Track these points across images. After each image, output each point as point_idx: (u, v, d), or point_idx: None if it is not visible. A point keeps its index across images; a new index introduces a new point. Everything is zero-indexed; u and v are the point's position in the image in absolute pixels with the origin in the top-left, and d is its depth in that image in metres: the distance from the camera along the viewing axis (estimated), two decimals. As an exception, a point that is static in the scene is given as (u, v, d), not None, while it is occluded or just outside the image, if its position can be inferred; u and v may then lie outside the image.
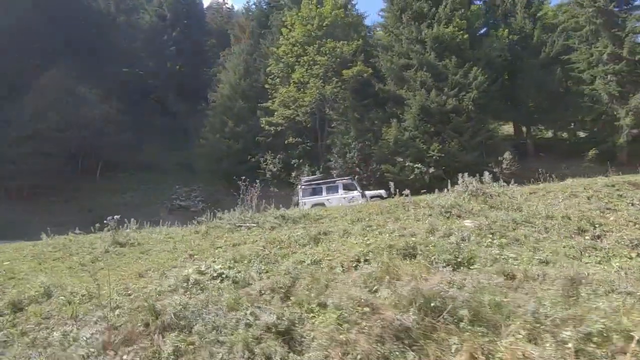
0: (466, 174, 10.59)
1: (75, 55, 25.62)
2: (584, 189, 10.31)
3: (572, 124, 22.71)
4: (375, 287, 5.68)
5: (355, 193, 15.03)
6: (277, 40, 27.93)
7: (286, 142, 22.91)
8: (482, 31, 24.63)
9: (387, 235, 8.61)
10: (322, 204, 14.77)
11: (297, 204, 15.67)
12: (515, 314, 4.44)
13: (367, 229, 9.23)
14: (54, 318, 5.86)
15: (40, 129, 21.35)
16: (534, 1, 25.51)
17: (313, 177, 17.39)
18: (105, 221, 11.11)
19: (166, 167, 30.94)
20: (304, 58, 23.32)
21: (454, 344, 4.17)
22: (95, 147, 25.44)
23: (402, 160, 19.24)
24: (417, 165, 18.76)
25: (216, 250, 9.16)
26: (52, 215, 20.50)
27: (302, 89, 22.91)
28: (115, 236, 10.11)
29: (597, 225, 8.38)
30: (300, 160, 22.21)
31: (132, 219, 12.00)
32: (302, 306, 5.45)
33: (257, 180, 12.68)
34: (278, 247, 8.62)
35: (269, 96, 24.17)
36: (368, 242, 7.96)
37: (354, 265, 7.04)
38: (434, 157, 18.85)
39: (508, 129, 27.71)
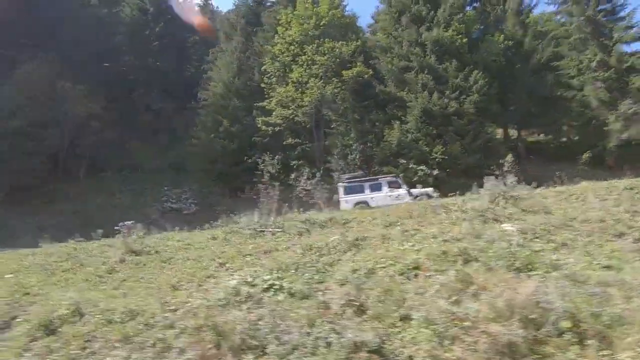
0: (492, 177, 10.64)
1: (55, 48, 23.87)
2: (609, 191, 10.51)
3: (564, 128, 23.59)
4: (455, 298, 5.39)
5: (401, 191, 14.63)
6: (270, 39, 27.32)
7: (285, 142, 22.34)
8: (474, 36, 25.09)
9: (431, 240, 8.36)
10: (366, 203, 14.41)
11: (338, 203, 15.15)
12: (630, 325, 4.26)
13: (406, 233, 8.96)
14: (99, 341, 5.18)
15: (19, 125, 19.65)
16: (524, 9, 26.41)
17: (353, 174, 16.78)
18: (116, 227, 10.29)
19: (152, 167, 29.50)
20: (302, 57, 22.89)
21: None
22: (78, 145, 23.82)
23: (405, 162, 19.21)
24: (420, 167, 18.79)
25: (246, 259, 8.60)
26: (33, 218, 18.99)
27: (300, 89, 22.46)
28: (128, 244, 9.31)
29: (633, 228, 8.51)
30: (300, 162, 21.72)
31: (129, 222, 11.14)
32: (382, 321, 5.07)
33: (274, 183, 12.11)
34: (317, 254, 8.18)
35: (266, 95, 23.53)
36: (416, 248, 7.67)
37: (413, 273, 6.71)
38: (436, 159, 18.94)
39: (497, 131, 28.44)
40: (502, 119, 24.04)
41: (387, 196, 14.62)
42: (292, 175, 21.76)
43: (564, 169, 22.95)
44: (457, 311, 4.90)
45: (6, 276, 7.90)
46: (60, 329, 5.40)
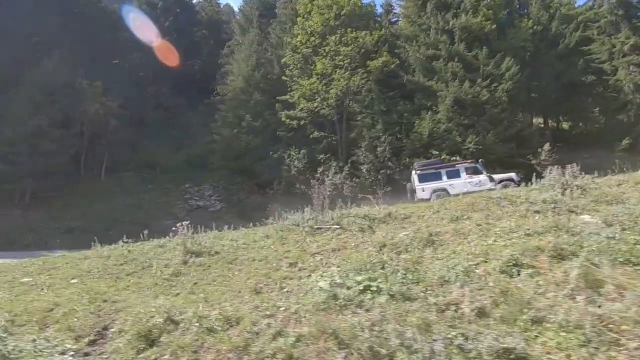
0: (555, 167, 10.22)
1: (69, 46, 23.40)
2: (681, 179, 10.07)
3: (595, 115, 23.01)
4: (586, 297, 5.01)
5: (482, 177, 13.91)
6: (288, 30, 26.76)
7: (311, 136, 21.89)
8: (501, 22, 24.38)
9: (511, 234, 7.99)
10: (444, 190, 13.72)
11: (412, 192, 14.59)
12: None
13: (480, 228, 8.59)
14: (210, 352, 4.87)
15: (39, 125, 19.26)
16: (549, -7, 25.64)
17: (428, 161, 15.95)
18: (174, 227, 9.95)
19: (169, 165, 29.15)
20: (325, 48, 22.33)
21: None
22: (97, 144, 23.47)
23: (437, 153, 18.78)
24: (454, 158, 18.35)
25: (316, 258, 8.28)
26: (58, 220, 18.73)
27: (324, 81, 21.96)
28: (187, 244, 8.98)
29: None
30: (327, 155, 21.29)
31: (185, 223, 10.74)
32: (511, 324, 4.72)
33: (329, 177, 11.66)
34: (394, 251, 7.84)
35: (288, 89, 23.03)
36: (503, 244, 7.30)
37: (516, 270, 6.34)
38: (470, 149, 18.51)
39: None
40: (529, 106, 23.48)
41: (466, 183, 13.90)
42: (319, 170, 21.40)
43: (596, 156, 22.45)
44: (601, 313, 4.52)
45: (71, 281, 7.59)
46: (160, 340, 5.09)
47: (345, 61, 21.27)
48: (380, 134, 20.40)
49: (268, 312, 5.99)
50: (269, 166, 22.20)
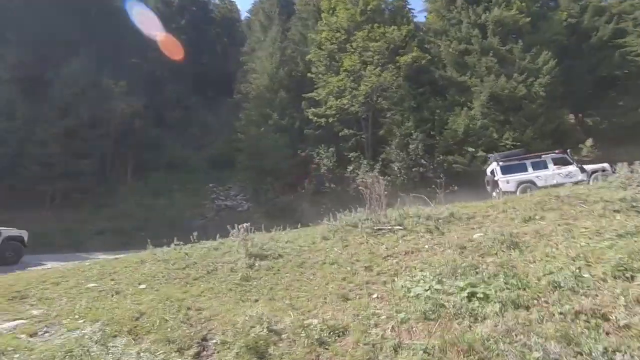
0: (625, 164, 9.82)
1: (93, 45, 23.23)
2: None
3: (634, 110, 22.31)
4: None
5: (572, 168, 13.21)
6: (311, 27, 26.39)
7: (340, 134, 21.50)
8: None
9: (599, 236, 7.58)
10: (531, 182, 13.22)
11: (493, 185, 14.01)
12: None
13: (561, 229, 8.17)
14: None
15: (70, 125, 19.12)
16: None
17: (511, 151, 15.20)
18: (233, 230, 9.69)
19: (191, 164, 28.95)
20: (352, 44, 21.92)
21: None
22: (123, 144, 23.33)
23: (473, 149, 18.32)
24: (490, 155, 17.87)
25: (389, 261, 7.94)
26: (89, 221, 18.57)
27: (352, 77, 21.57)
28: (248, 247, 8.70)
29: None
30: (358, 153, 20.91)
31: (246, 224, 10.44)
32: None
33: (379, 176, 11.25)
34: (477, 254, 7.47)
35: (315, 86, 22.66)
36: (602, 246, 6.89)
37: (629, 275, 5.94)
38: (507, 146, 18.02)
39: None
40: (562, 101, 22.85)
41: (555, 174, 13.26)
42: (349, 168, 21.07)
43: (630, 152, 21.79)
44: None
45: (140, 287, 7.33)
46: (269, 352, 4.79)
47: (375, 57, 20.84)
48: (412, 131, 19.96)
49: (372, 321, 5.65)
50: (297, 165, 21.89)
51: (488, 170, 15.06)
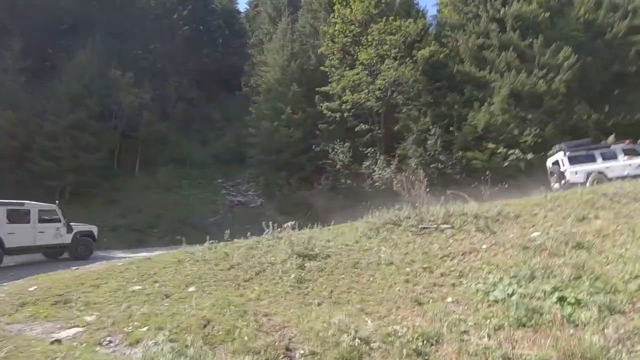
0: None
1: (97, 36, 22.36)
2: None
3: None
4: None
5: None
6: (323, 19, 25.85)
7: (356, 129, 21.12)
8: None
9: None
10: (602, 173, 12.81)
11: (560, 176, 13.53)
12: None
13: (624, 228, 7.97)
14: None
15: (80, 118, 18.38)
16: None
17: (578, 141, 14.55)
18: (279, 229, 9.32)
19: (198, 159, 28.34)
20: (368, 37, 21.47)
21: None
22: (130, 138, 22.63)
23: (494, 145, 18.13)
24: (512, 151, 17.72)
25: (448, 262, 7.65)
26: (100, 217, 17.92)
27: (368, 71, 21.17)
28: (295, 247, 8.34)
29: None
30: (374, 149, 20.57)
31: (291, 223, 10.07)
32: None
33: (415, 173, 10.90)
34: (541, 254, 7.21)
35: (329, 80, 22.19)
36: None
37: None
38: (528, 143, 17.87)
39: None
40: (579, 97, 22.72)
41: (626, 166, 12.79)
42: (365, 164, 20.74)
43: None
44: None
45: (189, 290, 6.93)
46: (366, 364, 4.47)
47: (392, 50, 20.44)
48: (430, 127, 19.68)
49: (460, 328, 5.37)
50: (311, 160, 21.47)
51: (550, 161, 14.66)
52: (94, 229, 13.20)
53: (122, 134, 22.51)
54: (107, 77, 21.24)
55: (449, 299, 6.31)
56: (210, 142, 31.13)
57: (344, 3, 23.52)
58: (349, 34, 22.92)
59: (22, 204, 11.20)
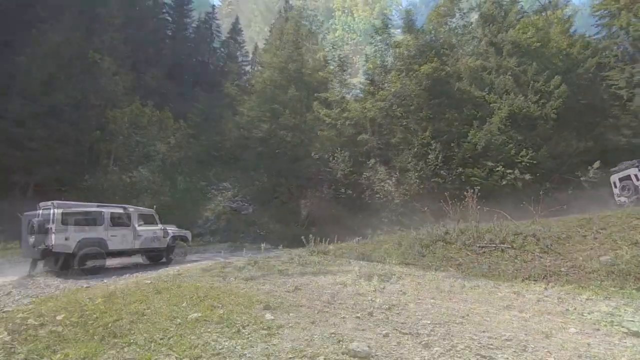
0: None
1: (76, 13, 19.69)
2: None
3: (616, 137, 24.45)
4: None
5: None
6: (320, 24, 25.38)
7: (358, 138, 20.70)
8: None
9: None
10: None
11: (635, 190, 13.32)
12: None
13: None
14: None
15: (56, 103, 15.75)
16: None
17: (629, 162, 14.39)
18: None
19: (174, 160, 26.00)
20: (373, 47, 21.37)
21: None
22: (107, 130, 20.04)
23: (492, 164, 18.71)
24: (509, 171, 18.40)
25: (535, 286, 7.34)
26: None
27: (371, 81, 20.99)
28: (357, 268, 7.55)
29: None
30: (376, 160, 20.27)
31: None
32: None
33: (468, 188, 10.60)
34: (631, 278, 7.15)
35: (330, 86, 21.67)
36: None
37: None
38: (523, 163, 18.69)
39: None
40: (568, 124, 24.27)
41: None
42: (364, 175, 20.36)
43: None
44: None
45: (266, 317, 5.86)
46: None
47: (397, 63, 20.48)
48: (431, 141, 19.88)
49: (628, 354, 4.97)
50: (306, 167, 20.62)
51: (617, 177, 14.74)
52: (188, 234, 13.23)
53: (98, 123, 19.89)
54: (85, 59, 18.70)
55: (572, 330, 5.92)
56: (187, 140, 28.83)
57: (346, 11, 23.29)
58: (348, 42, 22.66)
59: (125, 208, 11.42)
